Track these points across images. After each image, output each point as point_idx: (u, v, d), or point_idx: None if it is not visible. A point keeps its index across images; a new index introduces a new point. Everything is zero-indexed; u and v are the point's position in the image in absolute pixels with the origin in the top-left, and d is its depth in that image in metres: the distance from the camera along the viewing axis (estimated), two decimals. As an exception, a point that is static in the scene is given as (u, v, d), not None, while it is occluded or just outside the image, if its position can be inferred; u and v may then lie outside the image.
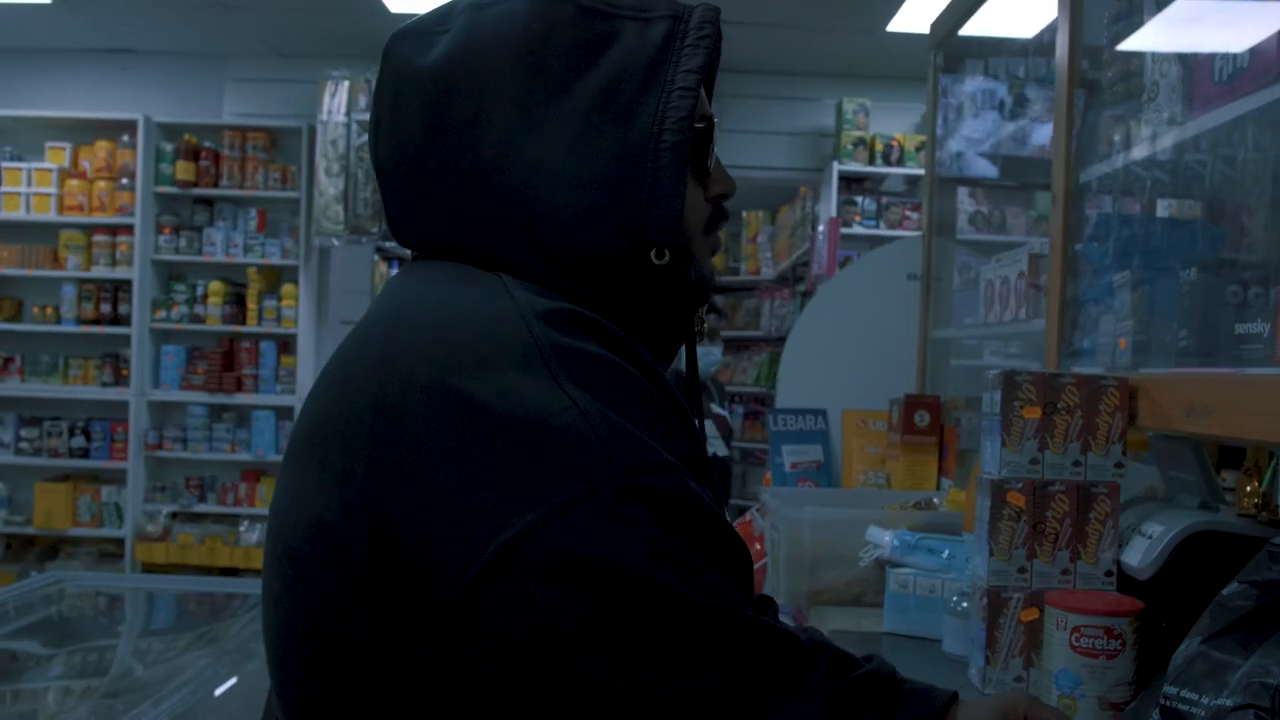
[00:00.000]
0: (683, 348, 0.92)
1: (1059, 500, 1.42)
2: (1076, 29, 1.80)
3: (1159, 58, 1.51)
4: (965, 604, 1.59)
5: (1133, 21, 1.62)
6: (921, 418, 2.34)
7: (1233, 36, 1.33)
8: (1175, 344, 1.41)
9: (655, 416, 0.69)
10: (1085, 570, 1.42)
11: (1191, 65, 1.44)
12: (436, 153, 0.76)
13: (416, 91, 0.77)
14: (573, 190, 0.73)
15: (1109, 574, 1.41)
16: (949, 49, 2.74)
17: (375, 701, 0.67)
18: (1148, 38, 1.58)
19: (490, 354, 0.66)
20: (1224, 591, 1.17)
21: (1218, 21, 1.43)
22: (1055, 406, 1.44)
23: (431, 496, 0.63)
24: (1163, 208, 1.68)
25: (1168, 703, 1.12)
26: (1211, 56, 1.36)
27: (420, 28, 0.79)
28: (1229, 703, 1.04)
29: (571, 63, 0.75)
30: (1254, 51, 1.27)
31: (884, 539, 1.80)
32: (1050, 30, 2.02)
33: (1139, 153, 1.59)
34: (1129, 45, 1.64)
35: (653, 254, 0.75)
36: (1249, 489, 1.47)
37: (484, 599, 0.61)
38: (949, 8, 2.56)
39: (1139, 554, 1.39)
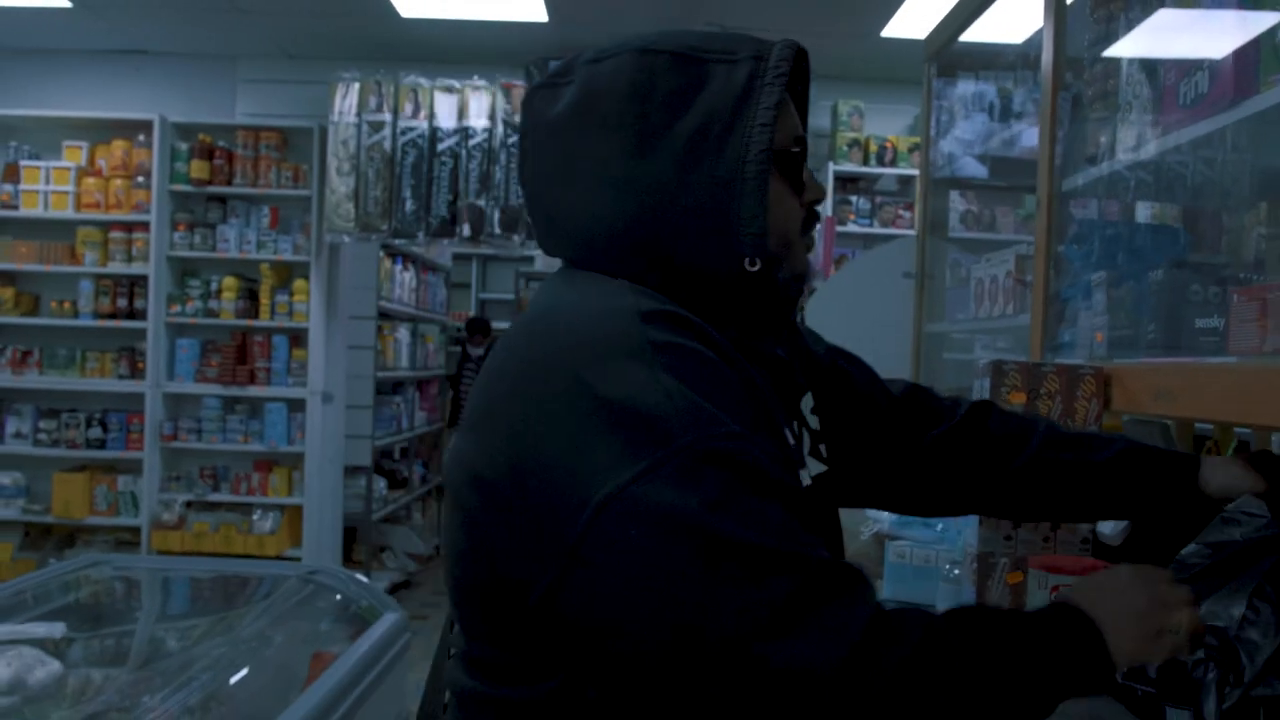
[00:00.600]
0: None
1: (1041, 476, 1.58)
2: (1060, 44, 1.97)
3: (1132, 80, 1.68)
4: (957, 571, 1.75)
5: (1110, 45, 1.78)
6: (916, 406, 2.50)
7: (1194, 57, 1.50)
8: (1145, 337, 1.58)
9: (729, 394, 0.84)
10: (1064, 538, 1.59)
11: (1161, 88, 1.61)
12: (569, 187, 0.94)
13: (551, 137, 0.95)
14: (678, 216, 0.90)
15: (1085, 541, 1.58)
16: (948, 54, 2.89)
17: (524, 610, 0.83)
18: (1123, 62, 1.75)
19: (606, 350, 0.83)
20: (1183, 551, 1.34)
21: (1182, 49, 1.60)
22: (1038, 393, 1.61)
23: (556, 458, 0.80)
24: (1138, 213, 1.85)
25: (1133, 645, 1.29)
26: (1178, 82, 1.53)
27: (549, 81, 0.97)
28: (1183, 642, 1.21)
29: (671, 108, 0.90)
30: (1213, 79, 1.44)
31: (883, 515, 1.97)
32: (1039, 39, 2.18)
33: (1116, 164, 1.76)
34: (1106, 67, 1.81)
35: (746, 262, 0.91)
36: (1210, 465, 1.63)
37: (591, 540, 0.77)
38: (943, 22, 2.73)
39: (1110, 525, 1.57)
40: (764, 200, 0.90)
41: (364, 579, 3.25)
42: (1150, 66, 1.64)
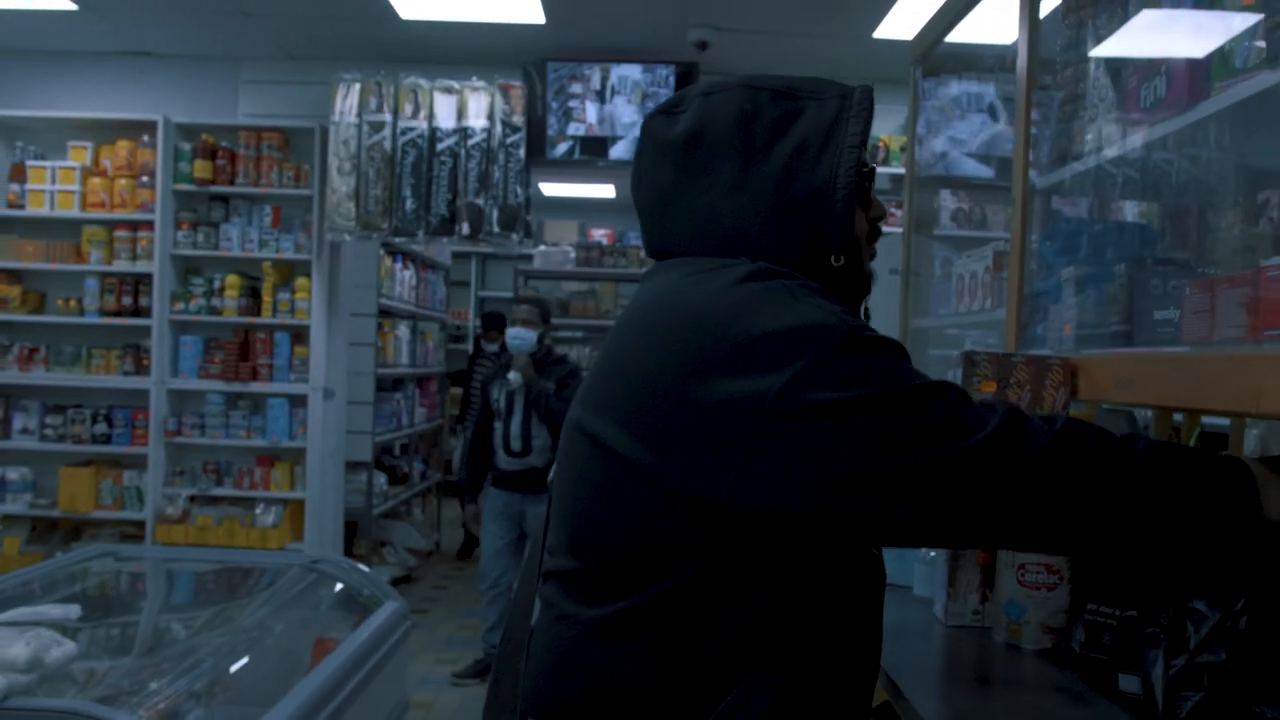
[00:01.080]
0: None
1: (1011, 461, 1.66)
2: (1034, 48, 2.04)
3: (1098, 84, 1.76)
4: (933, 554, 1.84)
5: (1080, 52, 1.86)
6: (901, 398, 2.58)
7: (1155, 60, 1.58)
8: (1109, 329, 1.66)
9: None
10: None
11: (1124, 91, 1.68)
12: (683, 194, 1.14)
13: (668, 154, 1.15)
14: (778, 217, 1.10)
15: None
16: (932, 57, 2.97)
17: (702, 512, 0.99)
18: (1090, 66, 1.82)
19: (750, 299, 1.02)
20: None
21: (1145, 54, 1.68)
22: (1008, 382, 1.69)
23: (729, 380, 0.97)
24: (1108, 211, 1.93)
25: (1089, 616, 1.37)
26: (1139, 86, 1.61)
27: (666, 109, 1.18)
28: (1134, 613, 1.30)
29: (772, 133, 1.11)
30: (1169, 83, 1.51)
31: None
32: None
33: (1086, 163, 1.84)
34: (1076, 70, 1.88)
35: (833, 258, 1.11)
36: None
37: (773, 423, 0.95)
38: (928, 26, 2.80)
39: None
40: (852, 208, 1.10)
41: (365, 568, 3.33)
42: (1114, 70, 1.72)
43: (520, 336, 4.52)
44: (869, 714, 1.15)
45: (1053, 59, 2.03)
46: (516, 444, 4.58)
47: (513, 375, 4.52)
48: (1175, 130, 1.49)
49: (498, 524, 4.69)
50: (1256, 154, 1.56)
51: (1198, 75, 1.43)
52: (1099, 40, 1.77)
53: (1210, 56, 1.40)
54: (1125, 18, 1.68)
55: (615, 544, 1.06)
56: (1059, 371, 1.68)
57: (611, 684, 1.04)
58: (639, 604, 1.03)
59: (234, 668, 2.63)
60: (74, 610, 2.18)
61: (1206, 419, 2.05)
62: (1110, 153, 1.74)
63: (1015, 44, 2.59)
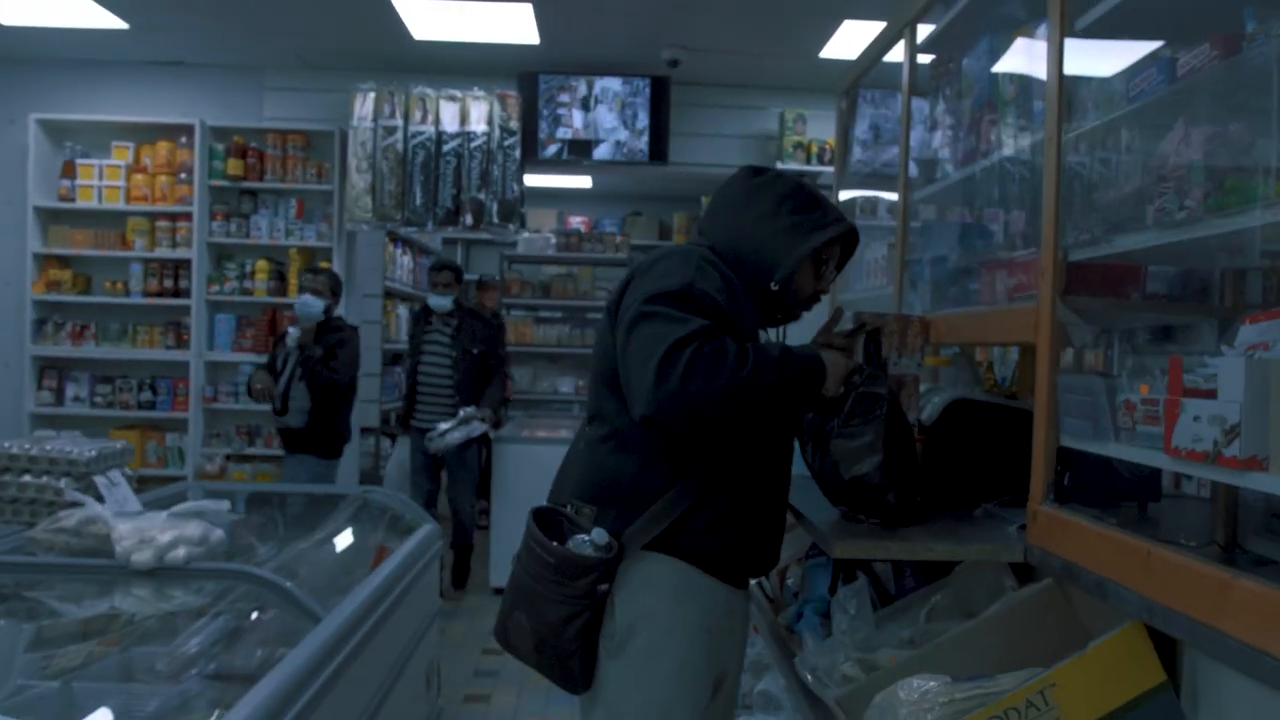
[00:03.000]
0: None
1: (885, 384, 2.48)
2: (911, 94, 2.86)
3: (945, 126, 2.59)
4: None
5: (940, 101, 2.69)
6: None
7: (972, 122, 2.40)
8: (948, 296, 2.49)
9: (728, 289, 1.78)
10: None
11: (960, 136, 2.51)
12: (735, 209, 1.90)
13: (742, 188, 1.93)
14: (756, 248, 1.86)
15: (914, 425, 2.49)
16: (855, 86, 3.78)
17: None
18: (942, 113, 2.66)
19: (680, 260, 1.80)
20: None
21: (968, 115, 2.50)
22: (884, 330, 2.51)
23: (637, 301, 1.75)
24: (955, 214, 2.77)
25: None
26: (968, 131, 2.44)
27: (753, 171, 1.95)
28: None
29: (793, 206, 1.87)
30: (978, 139, 2.35)
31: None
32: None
33: (948, 179, 2.67)
34: (944, 99, 2.72)
35: (772, 284, 1.84)
36: (988, 377, 2.56)
37: (630, 321, 1.74)
38: (851, 68, 3.62)
39: (928, 412, 2.48)
40: (797, 270, 1.87)
41: (406, 499, 4.12)
42: (959, 118, 2.54)
43: (307, 303, 5.07)
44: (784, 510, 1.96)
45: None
46: (277, 403, 5.08)
47: (291, 330, 5.09)
48: (981, 168, 2.32)
49: None
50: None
51: (986, 127, 2.26)
52: (944, 100, 2.60)
53: (994, 131, 2.23)
54: (960, 90, 2.51)
55: (602, 388, 1.85)
56: (918, 325, 2.50)
57: (612, 474, 1.83)
58: (617, 426, 1.83)
59: (320, 563, 3.38)
60: (225, 503, 2.92)
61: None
62: (957, 175, 2.57)
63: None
